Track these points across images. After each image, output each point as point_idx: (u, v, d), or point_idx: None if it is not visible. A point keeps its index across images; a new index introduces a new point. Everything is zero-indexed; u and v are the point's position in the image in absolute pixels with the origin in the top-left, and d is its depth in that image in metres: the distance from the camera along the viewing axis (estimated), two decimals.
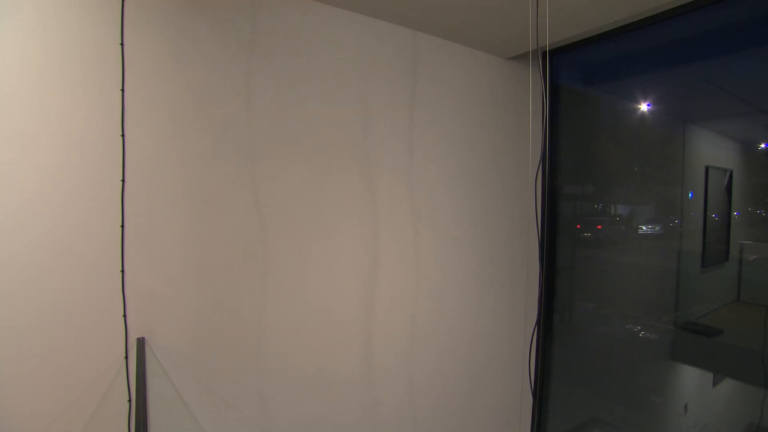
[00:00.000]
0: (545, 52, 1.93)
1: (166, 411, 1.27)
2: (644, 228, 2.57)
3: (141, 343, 1.22)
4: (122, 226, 1.23)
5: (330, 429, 1.59)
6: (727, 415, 2.34)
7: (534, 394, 2.26)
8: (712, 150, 2.78)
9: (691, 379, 2.49)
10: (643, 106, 2.31)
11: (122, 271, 1.23)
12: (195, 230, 1.33)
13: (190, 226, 1.32)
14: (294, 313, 1.49)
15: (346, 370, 1.61)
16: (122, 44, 1.21)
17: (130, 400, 1.22)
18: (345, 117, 1.61)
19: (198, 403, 1.31)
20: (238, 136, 1.40)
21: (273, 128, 1.46)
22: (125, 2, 1.21)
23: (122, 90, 1.22)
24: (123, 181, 1.23)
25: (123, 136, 1.23)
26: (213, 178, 1.36)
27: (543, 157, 2.14)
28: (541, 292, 2.19)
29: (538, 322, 2.18)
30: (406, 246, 1.75)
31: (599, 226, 2.51)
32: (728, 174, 2.69)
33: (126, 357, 1.24)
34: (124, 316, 1.22)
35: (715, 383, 2.44)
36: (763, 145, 2.30)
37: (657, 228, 2.59)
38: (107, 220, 1.22)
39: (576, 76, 2.34)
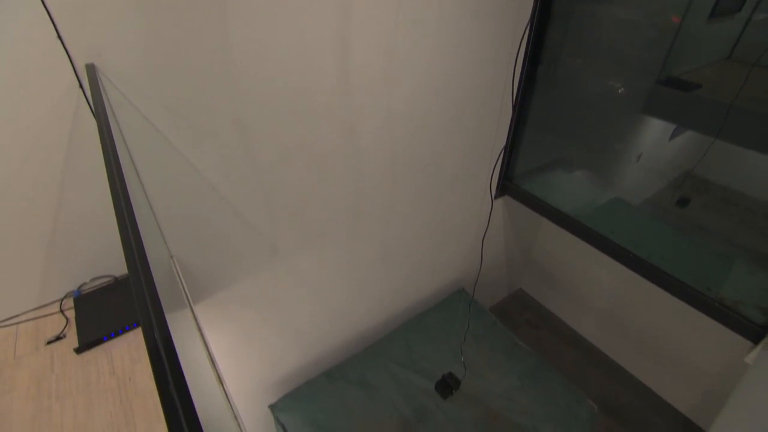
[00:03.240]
0: None
1: (144, 141, 1.24)
2: None
3: (91, 69, 1.09)
4: None
5: (312, 155, 1.66)
6: (672, 164, 2.57)
7: (510, 131, 2.38)
8: None
9: (652, 132, 2.62)
10: None
11: None
12: None
13: None
14: (263, 38, 1.31)
15: (324, 97, 1.55)
16: None
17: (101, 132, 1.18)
18: None
19: (175, 133, 1.28)
20: None
21: None
22: None
23: None
24: None
25: None
26: None
27: None
28: (530, 33, 2.03)
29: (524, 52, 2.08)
30: None
31: None
32: None
33: (81, 87, 1.14)
34: (59, 37, 1.05)
35: (672, 136, 2.60)
36: None
37: None
38: None
39: None
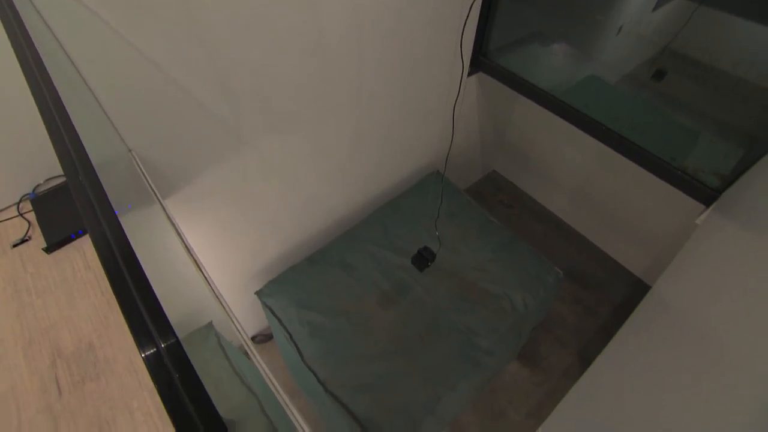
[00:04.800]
0: None
1: (72, 23, 1.06)
2: None
3: None
4: None
5: (268, 29, 1.48)
6: (652, 36, 2.44)
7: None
8: None
9: (636, 1, 2.45)
10: None
11: None
12: None
13: None
14: None
15: None
16: None
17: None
18: None
19: (108, 11, 1.09)
20: None
21: None
22: None
23: None
24: None
25: None
26: None
27: None
28: None
29: None
30: None
31: None
32: None
33: None
34: None
35: (655, 8, 2.43)
36: None
37: None
38: None
39: None
